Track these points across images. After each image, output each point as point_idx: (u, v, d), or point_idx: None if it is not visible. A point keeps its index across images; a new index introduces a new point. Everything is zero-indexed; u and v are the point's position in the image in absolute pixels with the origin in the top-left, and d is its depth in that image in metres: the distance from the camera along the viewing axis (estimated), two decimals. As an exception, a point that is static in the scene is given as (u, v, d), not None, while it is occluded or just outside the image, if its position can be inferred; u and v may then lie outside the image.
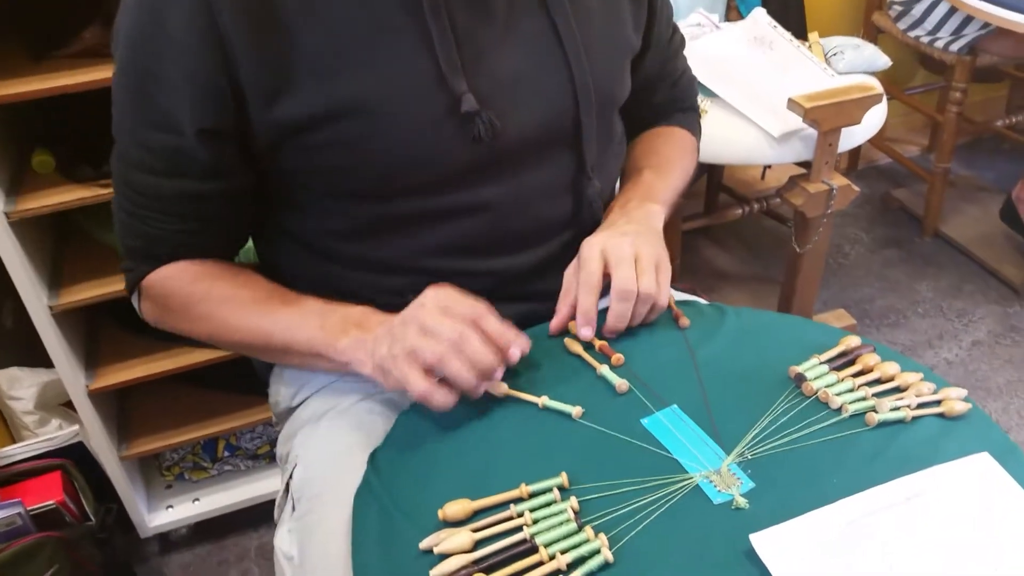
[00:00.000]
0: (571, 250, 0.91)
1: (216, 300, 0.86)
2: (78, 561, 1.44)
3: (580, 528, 0.65)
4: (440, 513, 0.68)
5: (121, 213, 0.85)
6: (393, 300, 0.86)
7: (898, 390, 0.78)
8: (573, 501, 0.67)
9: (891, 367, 0.79)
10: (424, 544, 0.66)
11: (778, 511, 0.65)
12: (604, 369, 0.81)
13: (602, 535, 0.64)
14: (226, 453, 1.66)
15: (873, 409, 0.74)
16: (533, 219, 0.90)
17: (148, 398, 1.61)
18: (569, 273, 0.87)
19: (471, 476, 0.73)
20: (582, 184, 0.91)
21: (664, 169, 1.01)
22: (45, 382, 1.54)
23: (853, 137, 1.67)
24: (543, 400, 0.78)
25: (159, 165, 0.80)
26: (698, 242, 2.46)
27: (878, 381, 0.79)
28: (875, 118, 1.68)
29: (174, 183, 0.81)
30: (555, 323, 0.87)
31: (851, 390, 0.77)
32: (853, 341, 0.83)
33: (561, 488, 0.69)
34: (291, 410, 0.98)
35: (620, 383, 0.79)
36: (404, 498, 0.72)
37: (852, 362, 0.81)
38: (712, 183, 2.33)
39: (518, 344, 0.77)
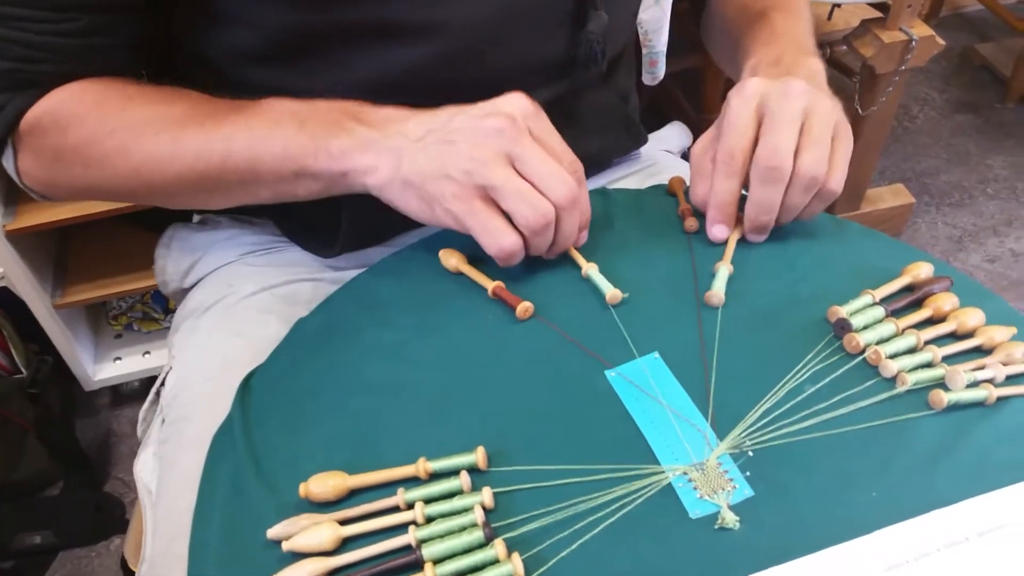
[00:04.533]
0: (561, 108, 0.67)
1: (135, 125, 0.59)
2: (6, 417, 1.30)
3: (489, 541, 0.45)
4: (302, 488, 0.48)
5: None
6: None
7: (979, 352, 0.55)
8: (486, 496, 0.46)
9: (973, 316, 0.55)
10: (272, 533, 0.47)
11: (783, 539, 0.44)
12: (592, 269, 0.59)
13: (516, 556, 0.44)
14: (180, 304, 1.49)
15: (942, 383, 0.51)
16: (511, 54, 0.64)
17: (91, 242, 1.42)
18: (698, 149, 0.63)
19: (359, 428, 0.52)
20: (584, 16, 0.65)
21: (794, 6, 0.72)
22: (-29, 215, 1.35)
23: (948, -25, 1.34)
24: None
25: None
26: (743, 92, 2.14)
27: (952, 336, 0.55)
28: (979, -49, 1.34)
29: None
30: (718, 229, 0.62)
31: (913, 349, 0.54)
32: (923, 271, 0.59)
33: (474, 469, 0.48)
34: (184, 291, 0.77)
35: (612, 292, 0.57)
36: (268, 453, 0.52)
37: (920, 303, 0.57)
38: (767, 23, 1.99)
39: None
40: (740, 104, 0.58)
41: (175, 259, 0.76)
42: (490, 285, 0.59)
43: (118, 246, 1.41)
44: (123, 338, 1.50)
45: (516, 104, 0.54)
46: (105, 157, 0.60)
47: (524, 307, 0.57)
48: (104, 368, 1.46)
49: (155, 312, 1.49)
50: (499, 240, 0.53)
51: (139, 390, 1.53)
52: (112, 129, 0.59)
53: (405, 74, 0.62)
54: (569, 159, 0.55)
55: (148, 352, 1.47)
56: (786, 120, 0.56)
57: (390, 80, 0.62)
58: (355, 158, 0.55)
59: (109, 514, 1.36)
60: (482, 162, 0.52)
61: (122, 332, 1.51)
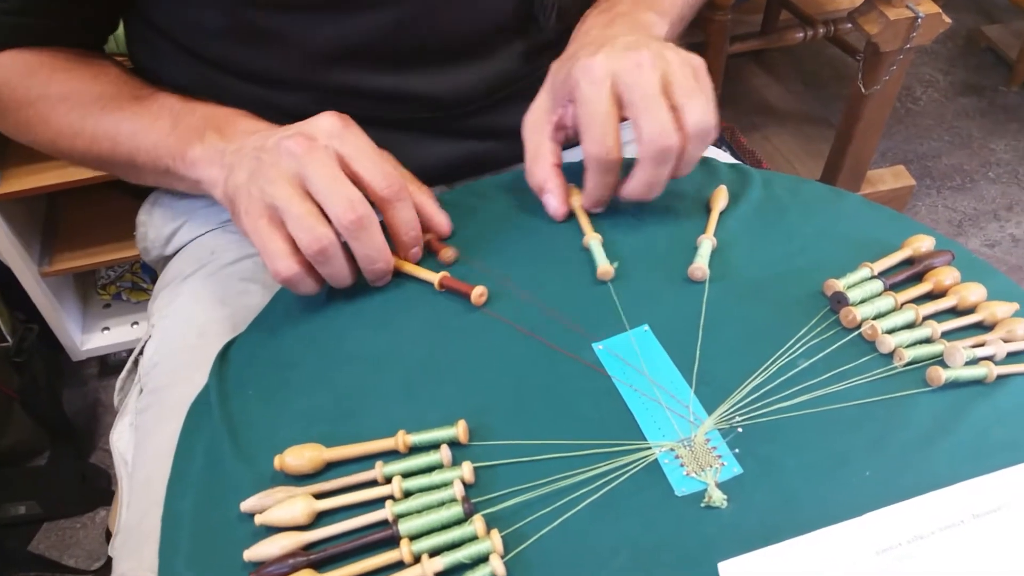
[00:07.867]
0: (519, 70, 0.65)
1: (54, 98, 0.63)
2: (-9, 385, 1.29)
3: (468, 517, 0.43)
4: (277, 461, 0.47)
5: None
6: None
7: (981, 328, 0.53)
8: (466, 470, 0.45)
9: (974, 291, 0.54)
10: (246, 506, 0.45)
11: (772, 519, 0.43)
12: (595, 240, 0.57)
13: (495, 533, 0.42)
14: (170, 275, 1.47)
15: (940, 360, 0.50)
16: (467, 19, 0.63)
17: (80, 210, 1.40)
18: (532, 122, 0.59)
19: (339, 399, 0.51)
20: None
21: None
22: (-43, 180, 1.33)
23: (956, -50, 1.31)
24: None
25: None
26: (746, 69, 2.11)
27: (952, 311, 0.54)
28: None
29: None
30: (558, 206, 0.59)
31: (912, 325, 0.52)
32: (924, 243, 0.57)
33: (454, 443, 0.47)
34: (166, 259, 0.75)
35: (604, 268, 0.55)
36: (244, 424, 0.51)
37: (920, 277, 0.56)
38: (773, -3, 1.96)
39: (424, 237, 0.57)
40: (594, 90, 0.52)
41: (157, 225, 0.74)
42: (435, 278, 0.56)
43: (107, 214, 1.39)
44: (111, 308, 1.48)
45: (320, 124, 0.52)
46: (29, 123, 0.64)
47: (479, 292, 0.54)
48: (92, 338, 1.44)
49: (144, 282, 1.47)
50: (275, 263, 0.51)
51: (127, 361, 1.51)
52: (35, 99, 0.62)
53: (358, 44, 0.62)
54: (381, 183, 0.52)
55: (137, 323, 1.46)
56: (651, 95, 0.51)
57: (345, 49, 0.62)
58: (202, 169, 0.57)
59: (95, 485, 1.35)
60: (270, 180, 0.50)
61: (110, 302, 1.49)
